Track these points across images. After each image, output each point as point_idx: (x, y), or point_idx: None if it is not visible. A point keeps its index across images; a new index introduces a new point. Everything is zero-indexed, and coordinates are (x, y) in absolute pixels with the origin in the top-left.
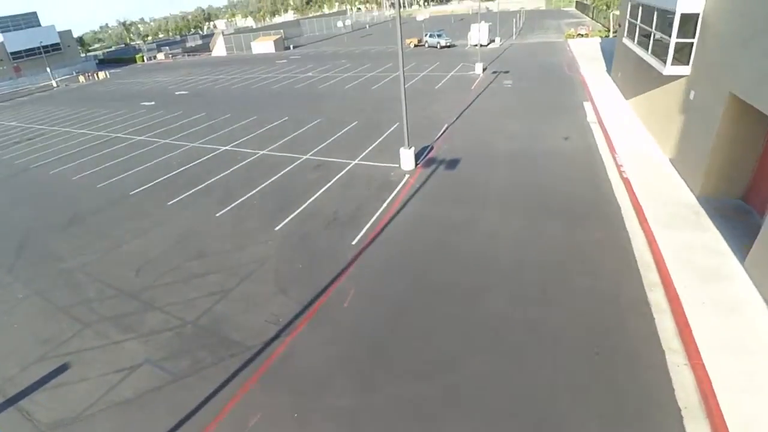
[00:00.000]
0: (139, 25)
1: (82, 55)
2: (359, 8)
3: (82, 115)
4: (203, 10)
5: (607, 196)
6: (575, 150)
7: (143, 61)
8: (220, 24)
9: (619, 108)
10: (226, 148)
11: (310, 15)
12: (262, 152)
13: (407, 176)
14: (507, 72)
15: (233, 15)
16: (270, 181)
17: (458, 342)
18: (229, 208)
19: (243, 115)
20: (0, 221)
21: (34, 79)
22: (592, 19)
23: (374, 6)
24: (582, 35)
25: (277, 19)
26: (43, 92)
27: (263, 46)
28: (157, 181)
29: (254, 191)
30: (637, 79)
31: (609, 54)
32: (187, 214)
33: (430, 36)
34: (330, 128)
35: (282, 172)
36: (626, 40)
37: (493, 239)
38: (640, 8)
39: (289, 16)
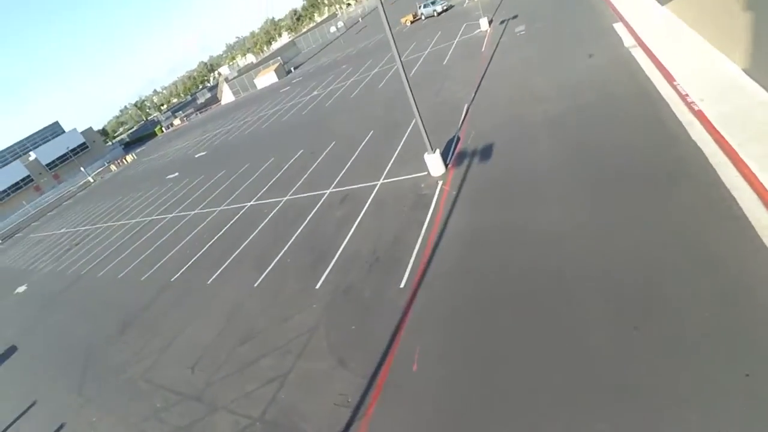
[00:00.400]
0: (153, 97)
1: (110, 143)
2: (349, 3)
3: (119, 205)
4: (205, 63)
5: (683, 143)
6: (624, 91)
7: (162, 131)
8: (224, 70)
9: (657, 20)
10: (251, 203)
11: (304, 30)
12: (286, 198)
13: (440, 184)
14: (515, 17)
15: (233, 57)
16: (299, 230)
17: (572, 399)
18: (265, 273)
19: (260, 160)
20: (64, 340)
21: (73, 180)
22: None
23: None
24: None
25: (275, 45)
26: (83, 190)
27: (266, 79)
28: (194, 259)
29: (286, 247)
30: None
31: None
32: (228, 290)
33: (425, 6)
34: (346, 149)
35: (309, 216)
36: None
37: (565, 245)
38: None
39: (285, 38)
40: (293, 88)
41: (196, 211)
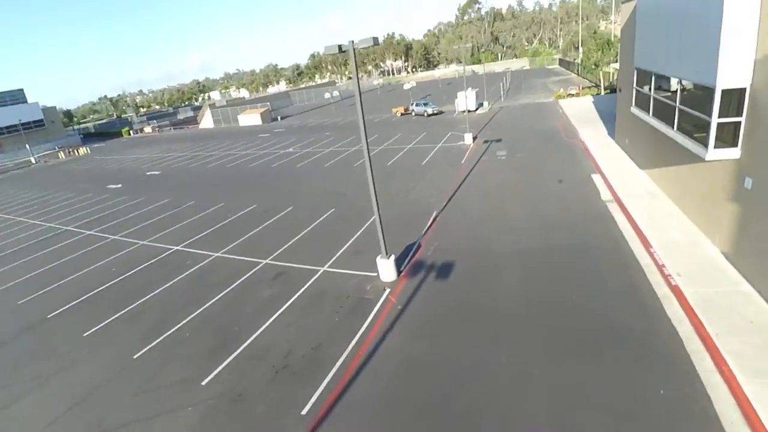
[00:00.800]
0: (137, 97)
1: (71, 129)
2: (350, 77)
3: (44, 200)
4: (198, 83)
5: (657, 319)
6: (597, 244)
7: (129, 134)
8: (215, 95)
9: (635, 181)
10: (179, 247)
11: (302, 86)
12: (217, 254)
13: (387, 292)
14: (499, 140)
15: (227, 87)
16: (214, 300)
17: None
18: (154, 343)
19: (209, 201)
20: None
21: (15, 155)
22: (579, 75)
23: (364, 75)
24: (572, 95)
25: (272, 89)
26: (19, 169)
27: (250, 118)
28: (85, 296)
29: (192, 316)
30: (657, 151)
31: (606, 114)
32: (101, 355)
33: (417, 105)
34: (302, 219)
35: (233, 286)
36: (636, 110)
37: (510, 402)
38: (653, 78)
39: (282, 86)
40: (272, 137)
41: (116, 237)
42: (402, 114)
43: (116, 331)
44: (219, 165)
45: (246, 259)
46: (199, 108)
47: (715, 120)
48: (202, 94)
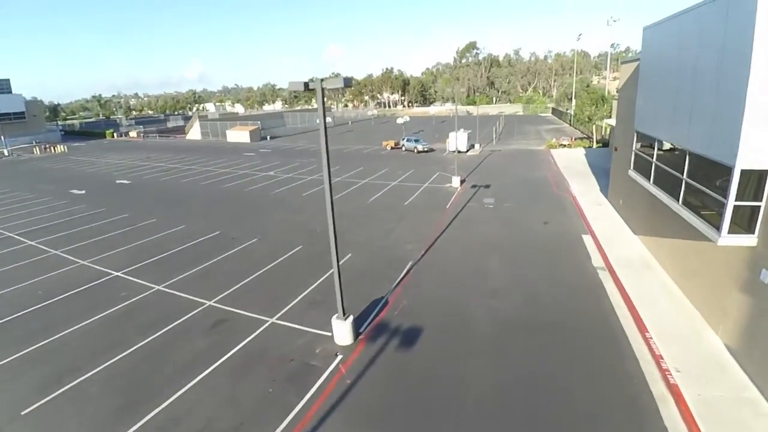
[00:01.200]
0: (132, 99)
1: (58, 124)
2: (346, 105)
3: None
4: (194, 93)
5: (651, 424)
6: (587, 322)
7: (113, 137)
8: (210, 107)
9: (629, 247)
10: (120, 273)
11: (297, 108)
12: (158, 287)
13: (338, 359)
14: (488, 187)
15: (222, 100)
16: (140, 345)
17: None
18: (51, 397)
19: (172, 221)
20: None
21: None
22: (571, 126)
23: (361, 104)
24: (565, 145)
25: (268, 108)
26: None
27: (238, 135)
28: None
29: (108, 363)
30: (655, 219)
31: (598, 168)
32: None
33: (407, 140)
34: (264, 255)
35: (164, 330)
36: (635, 174)
37: None
38: (657, 144)
39: (278, 105)
40: (257, 157)
41: (58, 252)
42: (392, 148)
43: (12, 374)
44: (193, 181)
45: (189, 297)
46: (189, 118)
47: (731, 203)
48: (196, 105)
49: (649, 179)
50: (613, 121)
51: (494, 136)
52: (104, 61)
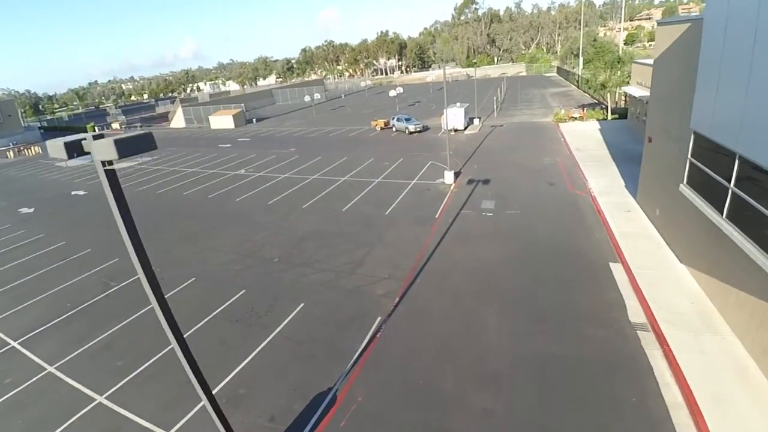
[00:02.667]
0: (126, 84)
1: (41, 120)
2: (341, 74)
3: None
4: (187, 72)
5: None
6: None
7: (94, 130)
8: (204, 86)
9: (677, 287)
10: (16, 344)
11: (286, 83)
12: (50, 369)
13: None
14: (487, 182)
15: (215, 78)
16: None
17: None
18: None
19: (105, 252)
20: None
21: None
22: (578, 87)
23: (357, 72)
24: (575, 118)
25: (262, 83)
26: None
27: (222, 120)
28: None
29: None
30: (722, 259)
31: (617, 150)
32: None
33: (398, 119)
34: (191, 309)
35: None
36: (689, 192)
37: None
38: (737, 161)
39: (272, 80)
40: (232, 150)
41: None
42: (382, 128)
43: None
44: (150, 189)
45: (77, 387)
46: (184, 101)
47: None
48: (190, 85)
49: (721, 212)
50: (633, 90)
51: (495, 105)
52: (98, 46)
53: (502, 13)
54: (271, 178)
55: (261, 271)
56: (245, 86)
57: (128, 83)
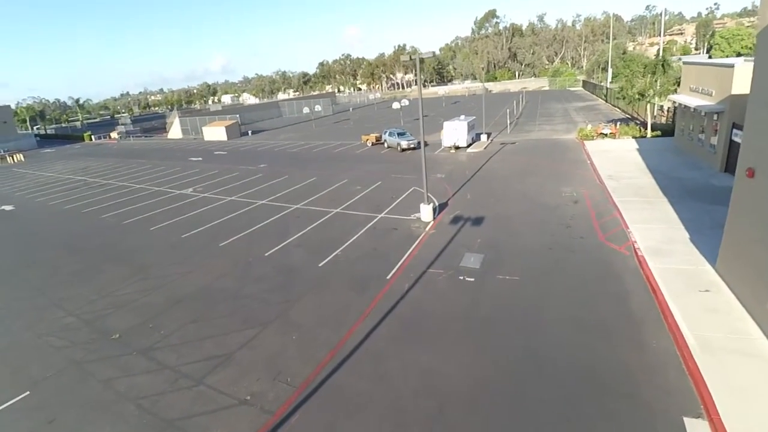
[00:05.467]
0: (154, 96)
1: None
2: (359, 88)
3: None
4: (209, 85)
5: None
6: None
7: (90, 139)
8: (226, 98)
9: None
10: None
11: (311, 93)
12: None
13: None
14: (479, 222)
15: (240, 91)
16: None
17: None
18: None
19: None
20: None
21: None
22: (606, 101)
23: (376, 86)
24: (605, 135)
25: (281, 96)
26: None
27: (215, 131)
28: None
29: None
30: None
31: (670, 181)
32: None
33: (390, 134)
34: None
35: None
36: None
37: None
38: None
39: (287, 93)
40: (198, 165)
41: None
42: (373, 144)
43: None
44: (75, 207)
45: None
46: (199, 112)
47: None
48: (212, 97)
49: None
50: (685, 98)
51: (509, 120)
52: (132, 59)
53: (524, 27)
54: (213, 201)
55: (79, 357)
56: (259, 99)
57: (157, 95)
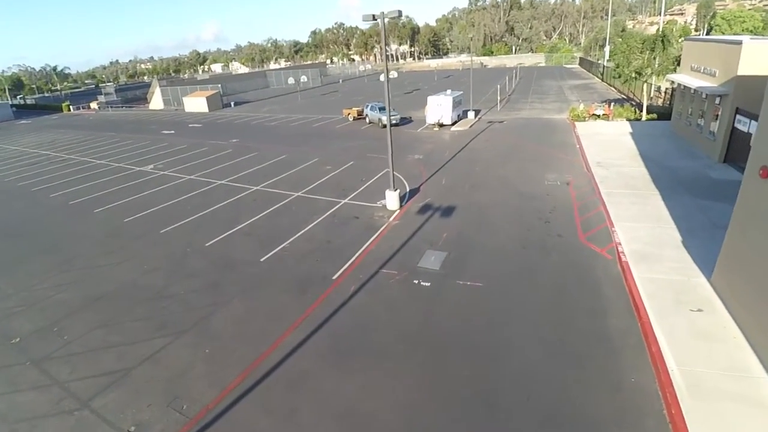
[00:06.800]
0: (144, 64)
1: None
2: (352, 59)
3: None
4: (198, 54)
5: None
6: None
7: (69, 110)
8: (216, 67)
9: None
10: None
11: (302, 62)
12: None
13: None
14: (449, 213)
15: (231, 60)
16: None
17: None
18: None
19: None
20: None
21: None
22: (603, 80)
23: (370, 57)
24: (598, 116)
25: (273, 65)
26: None
27: (195, 102)
28: None
29: None
30: None
31: (663, 171)
32: None
33: (371, 108)
34: None
35: None
36: None
37: None
38: None
39: (282, 63)
40: (169, 138)
41: None
42: (355, 118)
43: None
44: (26, 185)
45: None
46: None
47: None
48: (201, 66)
49: None
50: (685, 78)
51: (500, 96)
52: (123, 25)
53: (522, 0)
54: (171, 180)
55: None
56: (249, 68)
57: (147, 63)
